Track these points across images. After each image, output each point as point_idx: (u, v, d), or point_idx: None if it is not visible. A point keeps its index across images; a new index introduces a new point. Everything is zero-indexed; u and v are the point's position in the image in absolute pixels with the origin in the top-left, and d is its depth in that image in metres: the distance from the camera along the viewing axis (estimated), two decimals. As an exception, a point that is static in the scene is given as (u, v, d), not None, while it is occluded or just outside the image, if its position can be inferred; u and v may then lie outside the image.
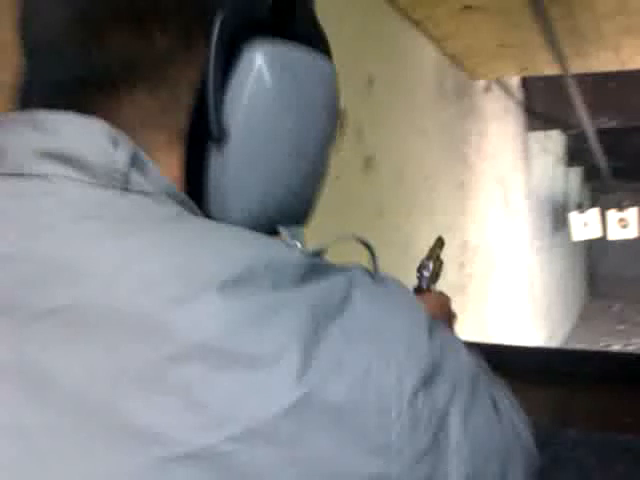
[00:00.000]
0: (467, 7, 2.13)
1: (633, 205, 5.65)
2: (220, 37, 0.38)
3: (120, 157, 0.36)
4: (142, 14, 0.38)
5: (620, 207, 5.66)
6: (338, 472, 0.31)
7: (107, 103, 0.39)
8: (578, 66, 2.74)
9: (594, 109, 3.92)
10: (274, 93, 0.40)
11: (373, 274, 0.40)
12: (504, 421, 0.42)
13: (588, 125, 3.91)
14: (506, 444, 0.42)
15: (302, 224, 0.46)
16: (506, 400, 0.45)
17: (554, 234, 6.28)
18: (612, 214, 5.64)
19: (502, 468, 0.40)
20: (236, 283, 0.32)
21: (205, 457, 0.29)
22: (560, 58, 2.36)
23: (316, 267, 0.35)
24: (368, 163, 1.96)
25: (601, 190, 8.90)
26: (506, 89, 4.00)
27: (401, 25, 2.22)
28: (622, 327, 7.54)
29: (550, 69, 2.90)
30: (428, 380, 0.36)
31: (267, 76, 0.39)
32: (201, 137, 0.39)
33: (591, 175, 8.33)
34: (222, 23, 0.38)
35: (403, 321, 0.37)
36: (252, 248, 0.35)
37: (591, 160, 6.65)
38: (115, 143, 0.36)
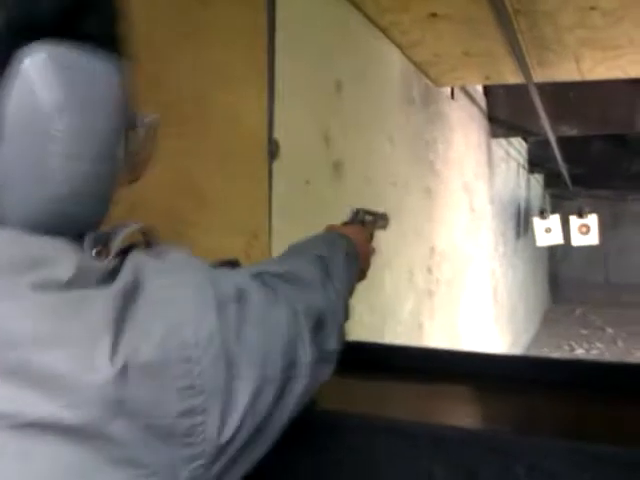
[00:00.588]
0: (433, 15, 2.16)
1: (593, 212, 5.80)
2: None
3: None
4: None
5: (581, 214, 5.80)
6: (159, 415, 0.42)
7: None
8: (541, 75, 2.80)
9: (555, 118, 4.02)
10: (43, 95, 0.43)
11: (152, 255, 0.49)
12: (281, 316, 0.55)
13: (550, 133, 4.00)
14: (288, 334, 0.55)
15: (93, 226, 0.49)
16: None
17: (517, 240, 6.40)
18: (574, 220, 5.78)
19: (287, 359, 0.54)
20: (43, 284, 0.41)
21: (47, 425, 0.38)
22: (523, 68, 2.41)
23: (112, 269, 0.45)
24: (337, 168, 1.97)
25: (562, 197, 9.12)
26: (470, 97, 4.07)
27: (369, 31, 2.24)
28: (585, 331, 7.72)
29: (513, 78, 2.96)
30: (220, 324, 0.47)
31: (35, 79, 0.43)
32: None
33: (551, 182, 8.54)
34: None
35: (187, 283, 0.48)
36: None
37: (552, 167, 6.82)
38: None
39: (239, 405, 0.47)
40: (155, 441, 0.42)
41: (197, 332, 0.45)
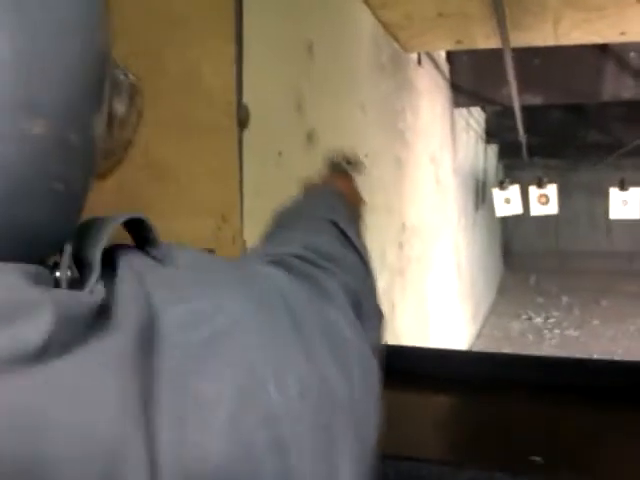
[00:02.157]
0: (409, -30, 1.98)
1: (552, 182, 5.79)
2: None
3: None
4: None
5: (540, 184, 5.78)
6: None
7: None
8: (515, 40, 2.66)
9: (519, 85, 3.92)
10: None
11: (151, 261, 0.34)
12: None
13: (515, 102, 3.89)
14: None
15: (59, 238, 0.31)
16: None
17: (476, 211, 6.37)
18: (533, 190, 5.76)
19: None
20: None
21: None
22: (502, 30, 2.26)
23: (101, 303, 0.28)
24: (310, 139, 1.78)
25: (515, 167, 9.18)
26: (435, 63, 3.92)
27: (339, -13, 2.04)
28: (541, 300, 7.83)
29: (486, 42, 2.82)
30: None
31: None
32: None
33: (505, 152, 8.55)
34: None
35: (237, 302, 0.34)
36: None
37: (508, 137, 6.78)
38: None
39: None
40: None
41: (281, 392, 0.30)
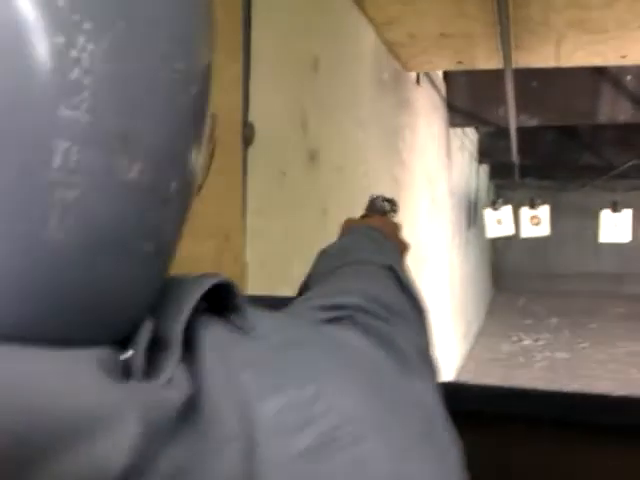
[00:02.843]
0: (414, -11, 1.96)
1: (544, 203, 5.80)
2: None
3: None
4: None
5: (532, 205, 5.79)
6: None
7: None
8: (516, 61, 2.65)
9: (516, 107, 3.92)
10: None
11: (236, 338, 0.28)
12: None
13: (512, 123, 3.89)
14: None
15: (139, 313, 0.25)
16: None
17: (468, 230, 6.36)
18: (525, 211, 5.76)
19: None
20: None
21: None
22: (505, 51, 2.24)
23: (186, 401, 0.22)
24: (313, 157, 1.73)
25: (506, 187, 9.22)
26: (433, 83, 3.91)
27: (344, 4, 2.01)
28: (530, 321, 7.81)
29: (487, 63, 2.81)
30: None
31: None
32: None
33: (497, 172, 8.59)
34: None
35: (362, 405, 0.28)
36: None
37: (500, 158, 6.81)
38: None
39: None
40: None
41: None
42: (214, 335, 0.26)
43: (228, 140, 1.29)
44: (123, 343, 0.23)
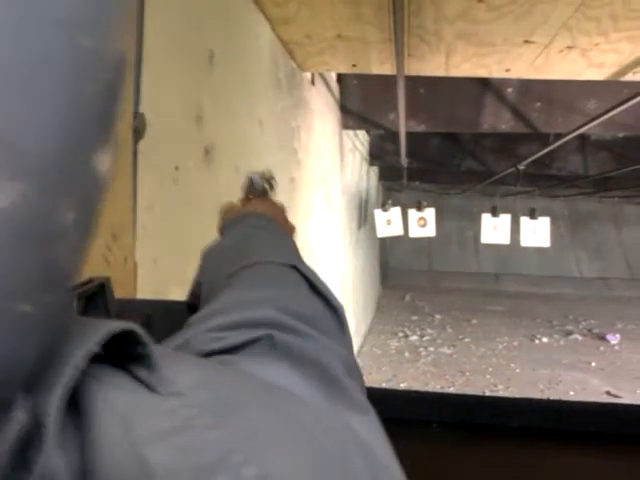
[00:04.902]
0: (313, -11, 1.95)
1: (429, 205, 6.06)
2: None
3: None
4: None
5: (419, 207, 6.03)
6: None
7: None
8: (408, 68, 2.73)
9: (405, 112, 4.06)
10: None
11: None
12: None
13: (402, 128, 4.02)
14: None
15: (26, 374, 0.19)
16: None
17: (359, 230, 6.51)
18: (412, 213, 5.99)
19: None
20: None
21: None
22: (398, 58, 2.30)
23: None
24: (208, 152, 1.68)
25: (394, 189, 9.56)
26: (327, 84, 3.95)
27: (241, 0, 1.97)
28: (415, 317, 8.14)
29: (380, 68, 2.87)
30: None
31: None
32: None
33: (386, 174, 8.89)
34: None
35: None
36: None
37: (390, 160, 7.05)
38: None
39: None
40: None
41: None
42: (114, 395, 0.21)
43: (117, 132, 1.22)
44: None
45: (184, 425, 0.21)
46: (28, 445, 0.18)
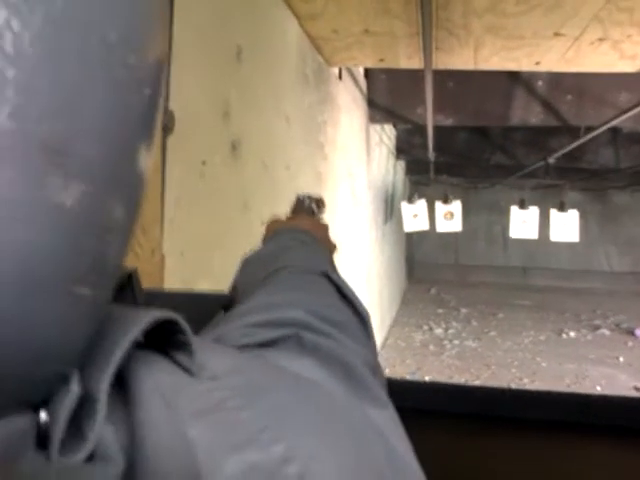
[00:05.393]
0: (340, -16, 1.96)
1: (457, 198, 6.01)
2: None
3: None
4: None
5: (445, 200, 5.99)
6: None
7: None
8: (436, 62, 2.71)
9: (433, 106, 4.03)
10: None
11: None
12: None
13: (429, 121, 4.00)
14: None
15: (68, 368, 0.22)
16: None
17: (385, 224, 6.49)
18: (439, 206, 5.95)
19: None
20: None
21: None
22: (426, 52, 2.29)
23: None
24: (235, 148, 1.70)
25: (422, 183, 9.49)
26: (354, 79, 3.94)
27: (269, -5, 1.99)
28: (441, 310, 8.10)
29: (408, 62, 2.86)
30: None
31: None
32: None
33: (413, 168, 8.83)
34: None
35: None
36: None
37: (417, 154, 7.00)
38: None
39: None
40: None
41: None
42: (157, 377, 0.23)
43: (157, 133, 1.24)
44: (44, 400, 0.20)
45: (218, 406, 0.23)
46: (82, 416, 0.20)
